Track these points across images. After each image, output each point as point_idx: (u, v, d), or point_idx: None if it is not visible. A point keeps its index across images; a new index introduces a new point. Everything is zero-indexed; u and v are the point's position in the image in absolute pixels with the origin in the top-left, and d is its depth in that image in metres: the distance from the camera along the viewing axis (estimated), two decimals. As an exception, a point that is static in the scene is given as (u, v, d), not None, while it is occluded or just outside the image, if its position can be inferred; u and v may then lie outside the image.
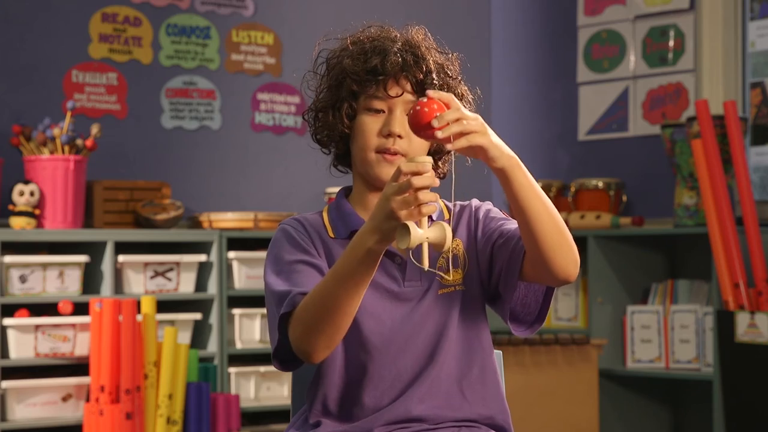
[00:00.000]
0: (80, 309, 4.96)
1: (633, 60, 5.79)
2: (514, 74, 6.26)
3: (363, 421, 2.24)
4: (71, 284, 4.93)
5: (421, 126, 2.01)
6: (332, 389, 2.27)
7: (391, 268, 2.25)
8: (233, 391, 5.21)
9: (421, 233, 1.99)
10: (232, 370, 5.22)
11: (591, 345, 4.94)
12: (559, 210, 5.70)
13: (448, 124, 1.99)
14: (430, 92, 2.03)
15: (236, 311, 5.24)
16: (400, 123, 2.23)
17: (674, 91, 5.65)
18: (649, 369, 5.42)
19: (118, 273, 5.06)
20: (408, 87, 2.24)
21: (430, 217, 2.21)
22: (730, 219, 4.99)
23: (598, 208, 5.63)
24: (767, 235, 5.04)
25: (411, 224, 1.99)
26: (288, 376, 5.16)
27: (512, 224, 2.25)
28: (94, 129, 5.11)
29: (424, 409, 2.23)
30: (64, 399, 4.90)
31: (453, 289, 2.27)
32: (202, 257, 5.16)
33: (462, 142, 2.01)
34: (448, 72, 2.28)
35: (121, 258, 5.01)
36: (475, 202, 2.33)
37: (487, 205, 2.33)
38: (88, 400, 4.90)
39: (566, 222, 5.56)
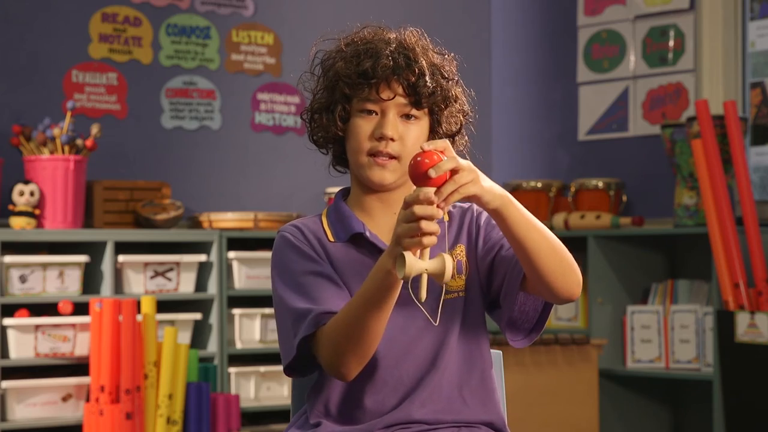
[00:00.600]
0: (80, 309, 4.96)
1: (633, 60, 5.79)
2: (514, 74, 6.26)
3: (364, 424, 2.24)
4: (71, 284, 4.93)
5: (419, 177, 2.03)
6: (334, 392, 2.27)
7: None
8: (233, 391, 5.21)
9: (419, 264, 2.02)
10: (232, 370, 5.22)
11: (591, 345, 4.94)
12: (559, 210, 5.76)
13: (445, 174, 2.02)
14: (425, 145, 2.05)
15: (236, 311, 5.24)
16: (393, 126, 2.23)
17: (674, 91, 5.65)
18: (649, 369, 5.42)
19: (118, 273, 5.06)
20: (400, 90, 2.23)
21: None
22: (730, 219, 4.99)
23: (598, 208, 5.63)
24: (767, 235, 5.04)
25: (408, 254, 2.01)
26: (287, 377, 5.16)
27: None
28: (94, 129, 5.11)
29: (425, 413, 2.24)
30: (64, 399, 4.90)
31: (456, 295, 2.27)
32: (202, 257, 5.16)
33: (455, 197, 2.04)
34: (443, 73, 2.27)
35: (121, 258, 5.01)
36: (476, 206, 2.32)
37: None
38: (88, 400, 4.90)
39: (566, 222, 5.56)
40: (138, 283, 5.07)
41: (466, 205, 2.32)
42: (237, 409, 5.06)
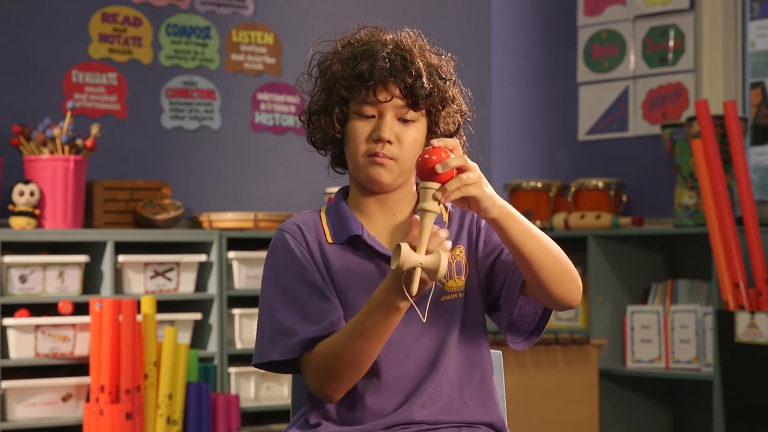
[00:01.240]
0: (80, 309, 4.96)
1: (633, 60, 5.79)
2: (514, 74, 6.26)
3: (364, 425, 2.24)
4: (71, 284, 4.93)
5: (426, 172, 2.05)
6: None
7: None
8: (233, 391, 5.21)
9: (414, 257, 2.02)
10: (232, 370, 5.22)
11: (591, 345, 4.94)
12: (559, 210, 5.76)
13: (451, 170, 2.04)
14: (435, 141, 2.07)
15: (236, 311, 5.24)
16: (390, 128, 2.23)
17: (674, 91, 5.65)
18: (649, 369, 5.42)
19: (118, 273, 5.06)
20: (397, 92, 2.23)
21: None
22: (730, 219, 4.99)
23: (598, 208, 5.63)
24: (767, 235, 5.04)
25: (405, 246, 2.02)
26: (288, 377, 5.16)
27: None
28: (94, 129, 5.11)
29: (425, 414, 2.24)
30: (64, 399, 4.90)
31: (456, 296, 2.27)
32: (202, 257, 5.16)
33: (457, 194, 2.05)
34: (440, 74, 2.27)
35: (121, 258, 5.01)
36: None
37: None
38: (88, 400, 4.90)
39: (566, 222, 5.56)
40: (138, 283, 5.07)
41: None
42: (237, 409, 5.06)
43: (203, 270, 5.23)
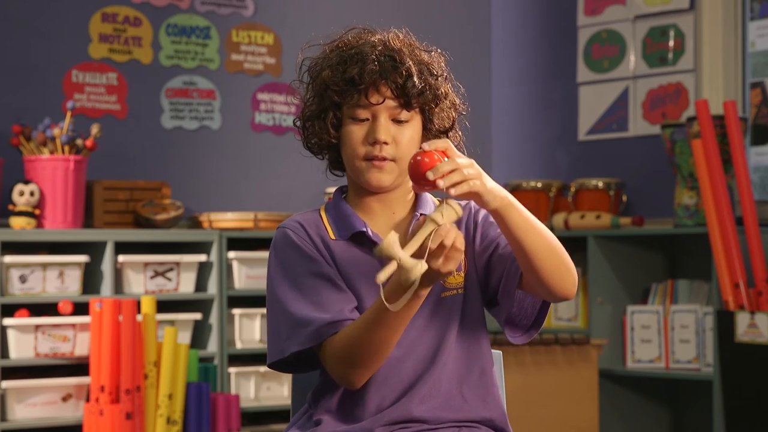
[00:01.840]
0: (80, 309, 4.96)
1: (633, 60, 5.79)
2: (514, 74, 6.26)
3: (364, 421, 2.24)
4: (71, 284, 4.93)
5: (418, 178, 2.04)
6: (336, 390, 2.28)
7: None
8: (233, 391, 5.21)
9: (396, 251, 2.01)
10: (232, 370, 5.22)
11: (591, 345, 4.94)
12: (559, 210, 5.76)
13: (443, 175, 2.02)
14: (425, 145, 2.06)
15: (236, 311, 5.24)
16: (385, 130, 2.23)
17: (674, 91, 5.65)
18: (649, 369, 5.42)
19: (118, 273, 5.06)
20: (389, 93, 2.23)
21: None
22: (730, 219, 4.99)
23: (598, 208, 5.63)
24: (767, 235, 5.04)
25: (394, 237, 2.01)
26: (288, 377, 5.16)
27: None
28: (94, 129, 5.11)
29: (424, 410, 2.24)
30: (64, 399, 4.90)
31: (455, 292, 2.27)
32: (202, 257, 5.16)
33: (460, 188, 2.04)
34: (431, 71, 2.27)
35: (121, 258, 5.01)
36: (474, 203, 2.32)
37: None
38: (88, 400, 4.90)
39: (566, 222, 5.56)
40: (138, 283, 5.07)
41: (464, 202, 2.32)
42: (237, 409, 5.06)
43: (203, 270, 5.23)
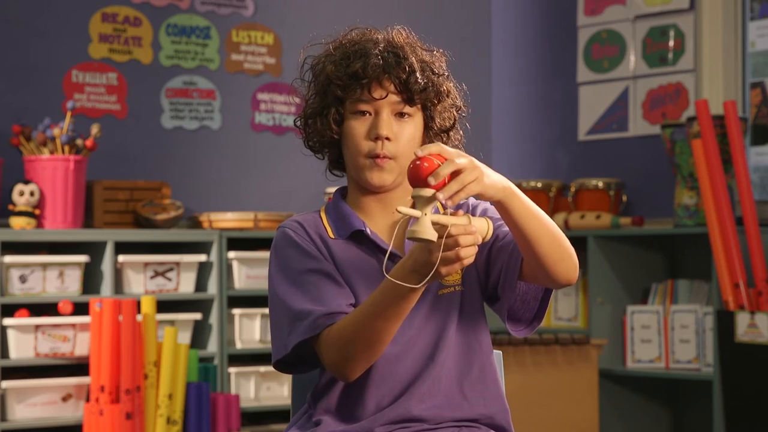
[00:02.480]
0: (80, 309, 4.96)
1: (633, 60, 5.79)
2: (514, 74, 6.26)
3: (364, 421, 2.25)
4: (71, 284, 4.93)
5: (419, 184, 2.02)
6: (335, 390, 2.28)
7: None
8: (233, 391, 5.21)
9: (424, 220, 2.00)
10: (232, 370, 5.22)
11: (591, 345, 4.94)
12: (559, 210, 5.76)
13: (444, 179, 2.00)
14: (417, 151, 2.03)
15: (236, 311, 5.24)
16: (387, 125, 2.24)
17: (674, 91, 5.65)
18: (649, 369, 5.42)
19: (118, 273, 5.06)
20: (392, 88, 2.24)
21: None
22: (730, 219, 4.99)
23: (598, 208, 5.63)
24: (767, 235, 5.04)
25: (428, 219, 2.00)
26: (288, 377, 5.16)
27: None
28: (94, 129, 5.11)
29: (424, 408, 2.24)
30: (64, 399, 4.90)
31: (453, 290, 2.27)
32: (202, 257, 5.16)
33: (461, 195, 2.02)
34: (433, 69, 2.28)
35: (121, 258, 5.01)
36: (472, 200, 2.33)
37: (484, 204, 2.33)
38: (88, 400, 4.90)
39: (566, 222, 5.56)
40: (138, 283, 5.07)
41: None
42: (237, 409, 5.06)
43: (203, 270, 5.23)
